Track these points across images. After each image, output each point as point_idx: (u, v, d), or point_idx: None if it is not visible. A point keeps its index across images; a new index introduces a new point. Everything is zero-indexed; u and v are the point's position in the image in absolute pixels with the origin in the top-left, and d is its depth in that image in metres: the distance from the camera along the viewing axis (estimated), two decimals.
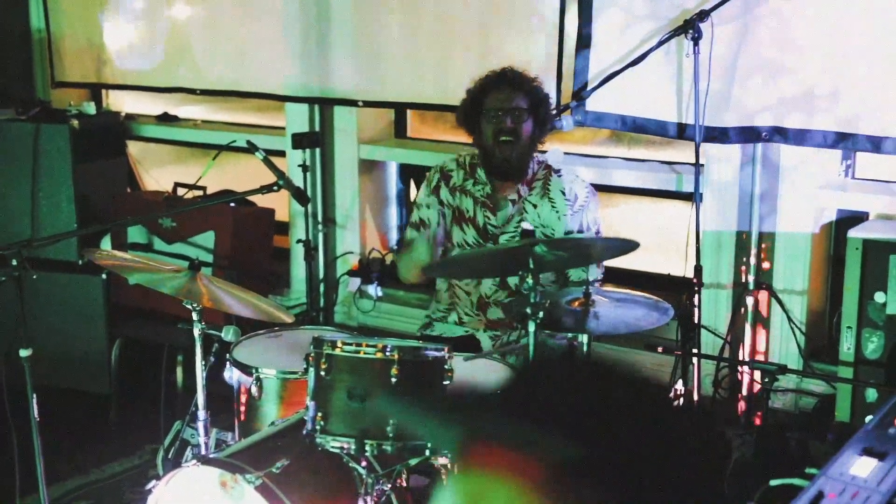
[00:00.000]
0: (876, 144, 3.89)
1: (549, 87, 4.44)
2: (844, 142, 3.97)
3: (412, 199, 5.60)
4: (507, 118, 3.66)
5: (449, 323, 3.91)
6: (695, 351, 4.01)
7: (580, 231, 3.78)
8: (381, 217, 5.65)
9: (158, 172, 6.35)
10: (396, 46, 5.02)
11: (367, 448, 2.80)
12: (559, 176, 3.81)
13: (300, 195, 3.83)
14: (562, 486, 1.08)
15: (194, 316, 3.20)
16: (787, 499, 1.97)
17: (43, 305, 4.79)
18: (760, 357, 4.39)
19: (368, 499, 2.88)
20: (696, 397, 4.01)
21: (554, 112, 3.94)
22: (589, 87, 4.29)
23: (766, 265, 4.39)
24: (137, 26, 5.95)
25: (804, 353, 4.33)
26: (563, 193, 3.78)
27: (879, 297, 3.73)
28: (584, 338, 3.32)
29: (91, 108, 5.64)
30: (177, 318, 3.33)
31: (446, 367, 2.83)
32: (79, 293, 4.96)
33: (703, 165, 4.25)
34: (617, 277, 4.43)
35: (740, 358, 4.42)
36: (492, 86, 3.73)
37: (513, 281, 3.77)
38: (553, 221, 3.77)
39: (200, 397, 3.29)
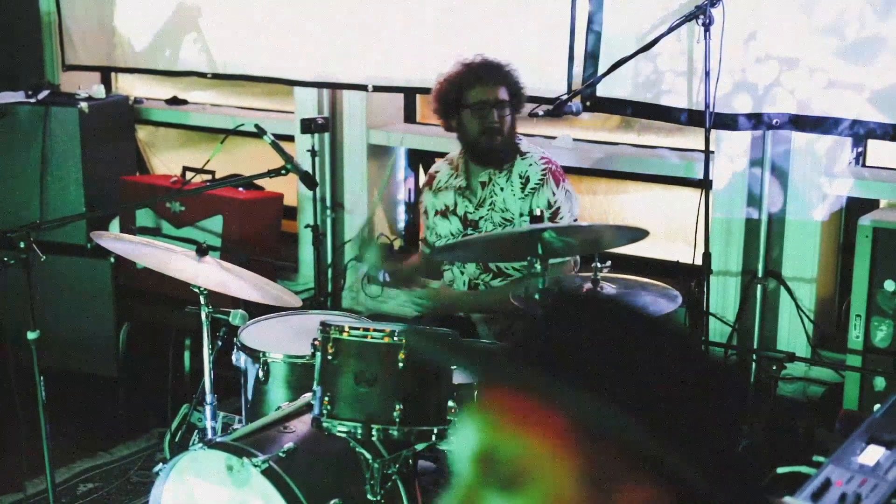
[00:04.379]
0: (888, 132, 3.87)
1: (561, 73, 4.44)
2: (856, 129, 3.94)
3: (420, 184, 5.59)
4: (493, 112, 3.67)
5: None
6: (703, 338, 4.00)
7: (533, 214, 3.49)
8: (390, 202, 5.64)
9: (167, 156, 6.35)
10: (406, 30, 5.00)
11: (374, 433, 2.80)
12: (522, 158, 3.82)
13: (308, 179, 3.83)
14: (582, 444, 1.04)
15: (202, 300, 3.21)
16: (795, 486, 1.97)
17: (51, 288, 4.80)
18: (768, 345, 4.38)
19: (375, 483, 2.88)
20: None
21: (565, 97, 3.93)
22: (599, 73, 4.26)
23: (775, 253, 4.37)
24: (148, 10, 5.94)
25: (812, 342, 4.32)
26: (520, 176, 3.79)
27: (889, 285, 3.72)
28: None
29: (100, 92, 5.63)
30: (184, 302, 3.33)
31: None
32: (87, 276, 4.97)
33: (713, 152, 4.23)
34: (625, 264, 4.41)
35: (748, 346, 4.41)
36: (473, 79, 3.72)
37: (499, 264, 3.80)
38: (511, 204, 3.78)
39: (207, 381, 3.30)
